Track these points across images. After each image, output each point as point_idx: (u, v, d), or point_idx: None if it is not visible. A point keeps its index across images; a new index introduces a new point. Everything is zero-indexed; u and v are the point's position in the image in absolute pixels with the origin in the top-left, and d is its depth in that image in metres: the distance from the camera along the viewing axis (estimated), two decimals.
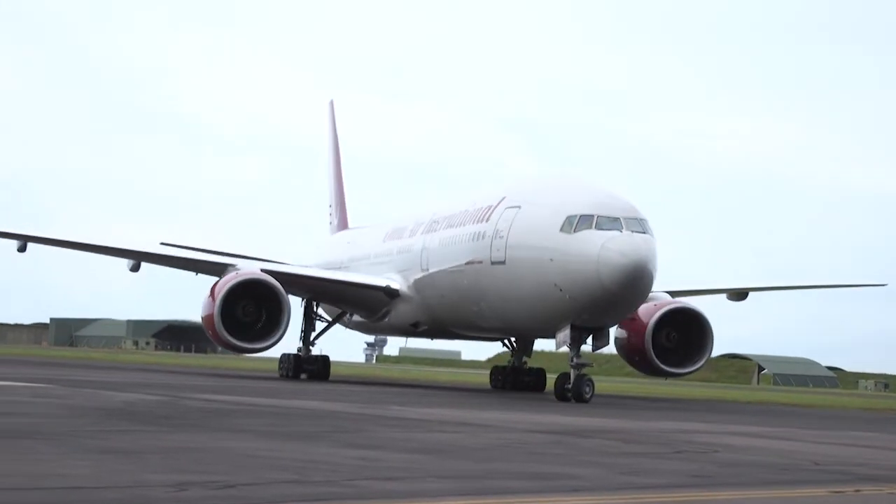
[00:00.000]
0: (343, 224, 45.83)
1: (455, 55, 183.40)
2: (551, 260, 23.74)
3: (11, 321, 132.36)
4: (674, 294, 32.16)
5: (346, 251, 37.98)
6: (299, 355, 33.96)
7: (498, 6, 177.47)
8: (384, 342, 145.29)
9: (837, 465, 11.05)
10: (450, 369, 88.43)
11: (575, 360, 23.84)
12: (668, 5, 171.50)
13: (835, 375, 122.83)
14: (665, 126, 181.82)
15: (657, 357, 29.81)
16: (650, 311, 29.64)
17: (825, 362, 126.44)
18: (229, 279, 28.76)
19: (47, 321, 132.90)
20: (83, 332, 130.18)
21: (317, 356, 34.35)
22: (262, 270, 29.89)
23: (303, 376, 33.13)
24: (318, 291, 33.77)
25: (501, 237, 25.23)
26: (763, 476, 9.47)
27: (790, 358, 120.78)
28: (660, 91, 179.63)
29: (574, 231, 23.54)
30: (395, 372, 60.15)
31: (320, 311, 35.22)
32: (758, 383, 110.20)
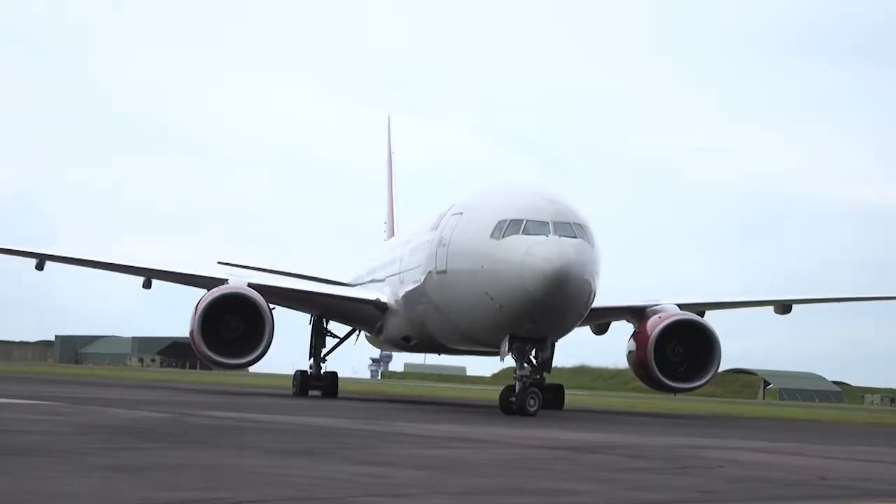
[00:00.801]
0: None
1: (459, 70, 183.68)
2: (482, 267, 22.88)
3: (17, 339, 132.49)
4: (685, 307, 31.57)
5: (365, 265, 37.73)
6: (307, 372, 33.82)
7: (500, 22, 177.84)
8: (389, 358, 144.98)
9: (845, 480, 11.02)
10: (455, 385, 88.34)
11: (518, 372, 22.98)
12: (671, 21, 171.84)
13: (840, 390, 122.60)
14: (667, 141, 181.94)
15: (662, 371, 29.45)
16: (655, 323, 29.46)
17: (831, 377, 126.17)
18: (211, 293, 28.66)
19: (52, 338, 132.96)
20: (88, 349, 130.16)
21: (326, 373, 34.15)
22: (250, 285, 29.62)
23: (316, 393, 33.03)
24: (313, 306, 33.51)
25: (444, 245, 24.47)
26: (770, 491, 9.46)
27: (796, 372, 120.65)
28: (662, 106, 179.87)
29: (502, 237, 22.56)
30: (401, 388, 60.11)
31: (331, 327, 34.96)
32: (763, 398, 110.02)
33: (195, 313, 28.24)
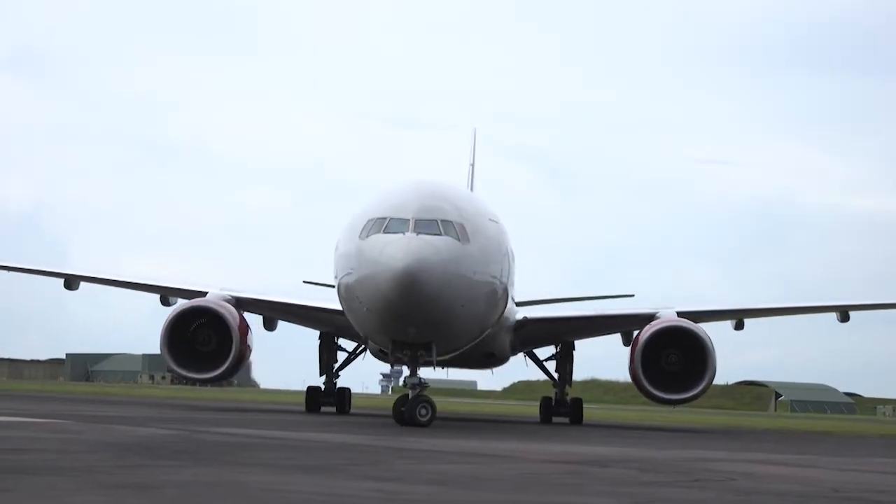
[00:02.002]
0: None
1: (466, 83, 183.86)
2: (351, 269, 22.06)
3: (28, 357, 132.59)
4: (685, 315, 30.52)
5: None
6: (318, 388, 33.43)
7: (507, 36, 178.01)
8: (400, 373, 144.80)
9: (857, 493, 10.98)
10: (465, 399, 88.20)
11: (406, 379, 22.37)
12: (679, 34, 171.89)
13: (852, 401, 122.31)
14: (675, 154, 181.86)
15: (653, 382, 28.52)
16: (645, 331, 28.79)
17: (842, 388, 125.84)
18: (177, 307, 28.61)
19: (63, 356, 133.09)
20: (99, 367, 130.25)
21: (338, 389, 33.60)
22: (230, 298, 29.32)
23: (330, 409, 32.70)
24: (315, 321, 32.95)
25: (337, 248, 23.56)
26: (782, 503, 9.42)
27: (807, 384, 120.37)
28: (670, 119, 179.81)
29: (367, 236, 21.56)
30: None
31: (342, 342, 34.35)
32: (775, 410, 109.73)
33: (163, 327, 28.10)
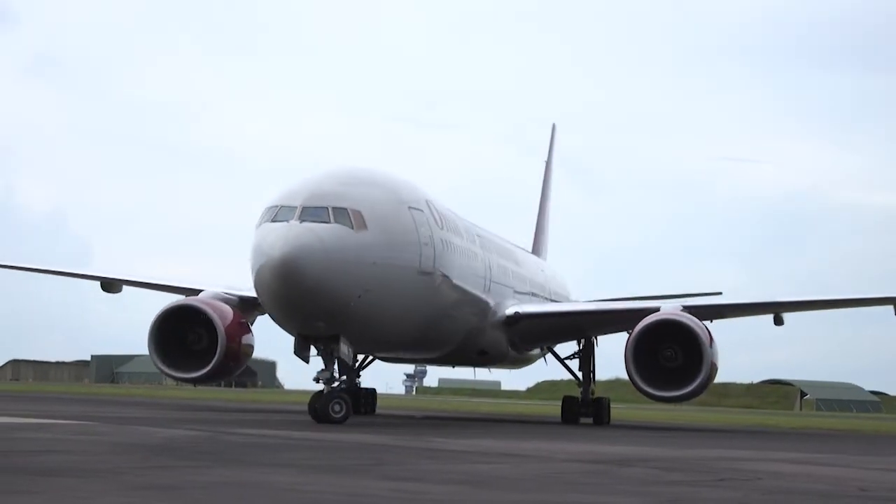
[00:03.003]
0: (535, 251, 45.16)
1: (485, 83, 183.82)
2: (250, 261, 21.41)
3: (53, 359, 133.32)
4: (692, 310, 29.13)
5: None
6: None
7: (530, 35, 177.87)
8: (423, 373, 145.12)
9: (885, 492, 10.91)
10: (489, 399, 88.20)
11: (318, 374, 21.80)
12: (702, 33, 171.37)
13: (878, 400, 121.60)
14: (697, 152, 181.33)
15: (643, 377, 27.13)
16: (639, 325, 27.42)
17: (868, 386, 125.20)
18: (165, 305, 27.94)
19: (88, 358, 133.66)
20: (124, 368, 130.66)
21: (362, 390, 32.74)
22: (232, 297, 28.69)
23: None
24: None
25: None
26: (808, 502, 9.37)
27: (833, 383, 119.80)
28: (693, 117, 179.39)
29: (259, 226, 21.16)
30: (435, 403, 60.04)
31: None
32: (800, 409, 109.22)
33: (150, 326, 27.50)
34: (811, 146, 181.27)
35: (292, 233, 20.40)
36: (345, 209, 21.05)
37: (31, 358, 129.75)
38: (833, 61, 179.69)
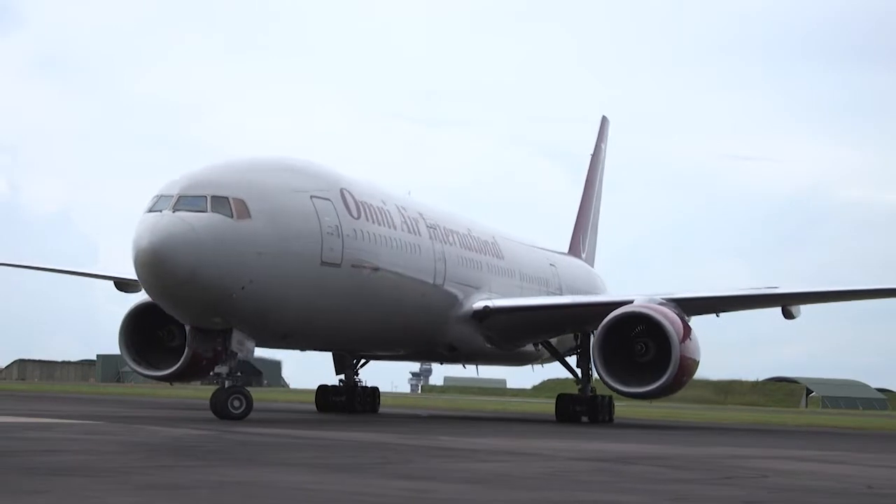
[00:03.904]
0: (573, 249, 44.38)
1: (490, 81, 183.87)
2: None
3: (59, 358, 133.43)
4: (675, 301, 28.31)
5: None
6: (325, 386, 32.07)
7: (535, 34, 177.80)
8: (429, 372, 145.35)
9: (892, 489, 10.90)
10: (495, 398, 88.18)
11: (216, 368, 21.39)
12: (707, 30, 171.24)
13: (885, 397, 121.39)
14: (702, 150, 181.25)
15: (611, 372, 26.23)
16: (606, 318, 26.68)
17: (875, 384, 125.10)
18: (136, 301, 27.48)
19: (94, 357, 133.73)
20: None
21: (363, 388, 32.31)
22: None
23: (343, 409, 31.34)
24: None
25: None
26: (815, 500, 9.35)
27: (839, 380, 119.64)
28: (697, 115, 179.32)
29: (143, 215, 20.53)
30: (441, 401, 60.03)
31: None
32: (806, 406, 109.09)
33: (120, 323, 27.20)
34: (817, 144, 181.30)
35: (161, 223, 19.97)
36: (225, 198, 20.56)
37: (37, 357, 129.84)
38: (838, 58, 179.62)
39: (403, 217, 26.53)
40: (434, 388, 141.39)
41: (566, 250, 43.70)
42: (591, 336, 31.36)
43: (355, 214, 23.68)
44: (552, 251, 39.34)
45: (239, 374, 21.53)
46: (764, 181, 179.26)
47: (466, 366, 34.20)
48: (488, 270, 30.94)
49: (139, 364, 27.42)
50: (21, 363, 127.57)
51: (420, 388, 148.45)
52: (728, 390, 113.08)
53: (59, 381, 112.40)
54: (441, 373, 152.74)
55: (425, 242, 27.21)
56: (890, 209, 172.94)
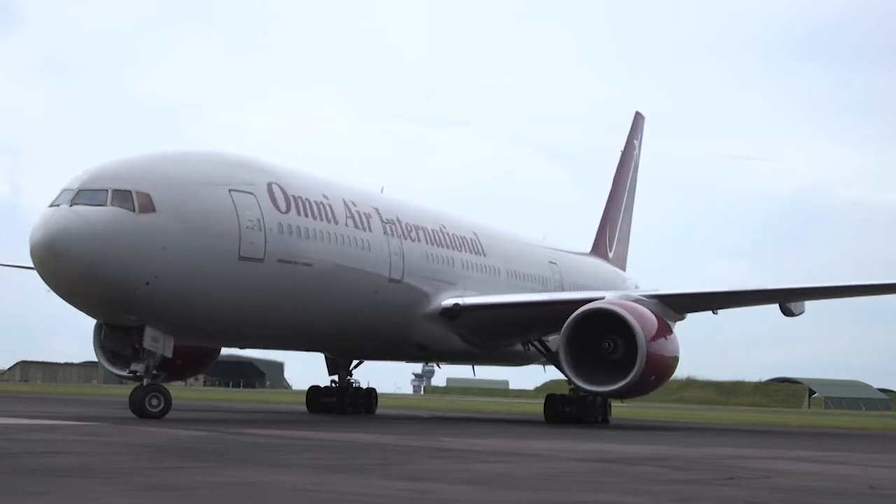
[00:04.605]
0: (597, 248, 43.60)
1: (490, 81, 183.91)
2: None
3: (61, 360, 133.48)
4: (656, 297, 28.14)
5: None
6: (317, 388, 31.70)
7: (536, 34, 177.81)
8: (431, 373, 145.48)
9: (894, 490, 10.88)
10: (497, 399, 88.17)
11: (132, 366, 21.16)
12: (706, 30, 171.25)
13: (887, 398, 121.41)
14: (702, 150, 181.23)
15: (577, 370, 25.79)
16: (572, 315, 26.03)
17: (877, 384, 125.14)
18: None
19: (97, 359, 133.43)
20: None
21: (357, 389, 31.90)
22: None
23: (335, 409, 30.87)
24: None
25: None
26: (818, 501, 9.34)
27: (841, 381, 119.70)
28: (697, 115, 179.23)
29: (44, 209, 20.20)
30: (443, 402, 60.04)
31: None
32: (809, 407, 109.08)
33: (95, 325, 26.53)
34: (816, 144, 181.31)
35: (55, 218, 19.62)
36: (128, 191, 20.15)
37: (40, 359, 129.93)
38: (838, 58, 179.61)
39: (351, 212, 25.81)
40: (436, 390, 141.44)
41: (587, 250, 42.93)
42: None
43: (283, 209, 23.13)
44: (561, 250, 38.22)
45: (156, 372, 21.21)
46: (764, 181, 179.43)
47: (441, 365, 33.30)
48: (464, 267, 30.15)
49: (115, 365, 26.81)
50: (24, 365, 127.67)
51: (423, 389, 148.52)
52: (731, 391, 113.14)
53: (62, 382, 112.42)
54: (443, 374, 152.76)
55: (377, 237, 26.43)
56: (890, 209, 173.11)
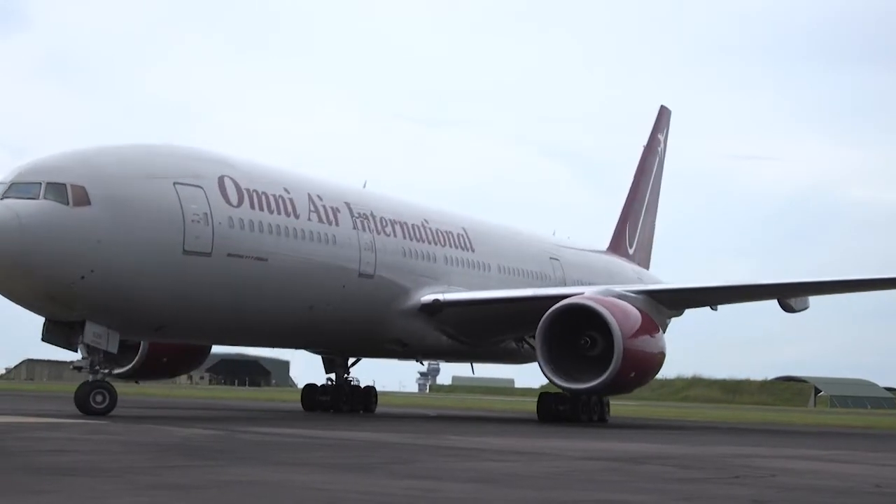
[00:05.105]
0: (616, 246, 42.81)
1: (493, 81, 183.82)
2: None
3: (67, 358, 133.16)
4: (653, 294, 27.98)
5: None
6: (312, 386, 31.54)
7: (540, 35, 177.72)
8: (437, 372, 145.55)
9: None
10: (503, 397, 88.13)
11: (77, 362, 21.27)
12: (712, 30, 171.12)
13: (893, 396, 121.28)
14: (708, 150, 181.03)
15: (554, 367, 25.21)
16: (549, 310, 25.44)
17: (883, 383, 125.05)
18: None
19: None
20: None
21: (330, 386, 31.40)
22: None
23: (329, 406, 30.77)
24: None
25: None
26: (823, 500, 9.33)
27: (847, 379, 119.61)
28: (703, 115, 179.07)
29: None
30: (449, 401, 60.02)
31: None
32: (814, 406, 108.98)
33: None
34: (818, 144, 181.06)
35: None
36: (62, 184, 19.89)
37: (46, 358, 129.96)
38: (839, 58, 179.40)
39: (316, 206, 25.34)
40: (442, 388, 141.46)
41: (604, 247, 42.24)
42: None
43: (235, 202, 22.76)
44: (568, 246, 37.51)
45: (98, 367, 21.12)
46: (765, 181, 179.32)
47: (423, 362, 32.61)
48: (448, 262, 29.64)
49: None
50: (29, 363, 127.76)
51: (428, 387, 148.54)
52: (736, 390, 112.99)
53: (68, 381, 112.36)
54: (448, 372, 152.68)
55: (345, 232, 25.95)
56: (891, 209, 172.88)
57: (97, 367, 21.04)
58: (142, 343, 26.73)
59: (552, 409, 28.63)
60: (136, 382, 33.22)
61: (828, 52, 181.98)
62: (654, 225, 46.42)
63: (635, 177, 45.52)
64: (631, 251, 44.07)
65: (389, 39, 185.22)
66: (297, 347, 30.17)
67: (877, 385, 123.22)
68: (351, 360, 31.95)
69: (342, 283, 25.66)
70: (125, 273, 20.48)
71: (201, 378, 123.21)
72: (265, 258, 23.29)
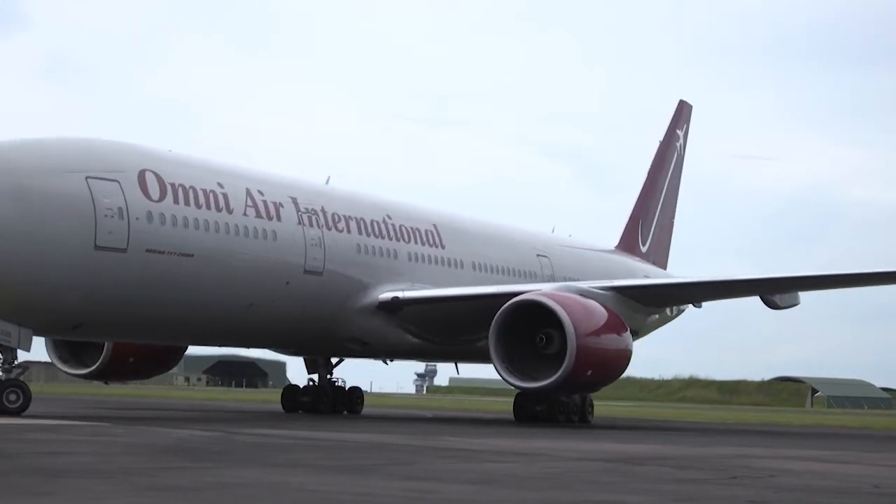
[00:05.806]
0: (626, 244, 41.69)
1: (493, 81, 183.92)
2: None
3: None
4: (623, 290, 27.10)
5: None
6: (294, 387, 31.35)
7: (540, 34, 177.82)
8: (434, 373, 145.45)
9: None
10: (501, 398, 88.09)
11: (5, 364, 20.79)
12: (714, 30, 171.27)
13: (890, 397, 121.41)
14: (709, 150, 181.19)
15: (508, 365, 24.52)
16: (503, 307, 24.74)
17: (879, 383, 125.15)
18: None
19: None
20: None
21: (311, 387, 31.04)
22: None
23: (310, 408, 30.51)
24: None
25: None
26: (822, 500, 9.33)
27: (844, 380, 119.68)
28: (704, 115, 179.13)
29: None
30: (447, 402, 60.01)
31: None
32: (811, 406, 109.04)
33: None
34: (818, 143, 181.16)
35: None
36: None
37: (42, 359, 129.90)
38: (839, 58, 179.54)
39: (255, 201, 24.56)
40: (439, 389, 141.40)
41: (612, 245, 41.22)
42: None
43: (156, 197, 22.15)
44: (565, 244, 36.77)
45: (9, 366, 20.95)
46: (765, 181, 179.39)
47: (388, 361, 31.50)
48: (412, 259, 28.82)
49: (66, 363, 27.16)
50: (26, 365, 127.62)
51: (425, 388, 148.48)
52: (733, 390, 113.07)
53: (64, 382, 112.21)
54: (446, 373, 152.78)
55: (289, 227, 25.19)
56: (891, 209, 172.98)
57: (8, 366, 20.79)
58: (105, 343, 26.48)
59: (528, 410, 28.07)
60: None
61: (828, 52, 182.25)
62: (672, 223, 44.88)
63: (649, 174, 44.07)
64: (644, 250, 42.69)
65: (389, 39, 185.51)
66: (241, 345, 29.60)
67: (873, 385, 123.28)
68: (335, 361, 31.36)
69: (285, 279, 24.92)
70: (30, 269, 20.04)
71: (198, 379, 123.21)
72: (191, 254, 22.70)
